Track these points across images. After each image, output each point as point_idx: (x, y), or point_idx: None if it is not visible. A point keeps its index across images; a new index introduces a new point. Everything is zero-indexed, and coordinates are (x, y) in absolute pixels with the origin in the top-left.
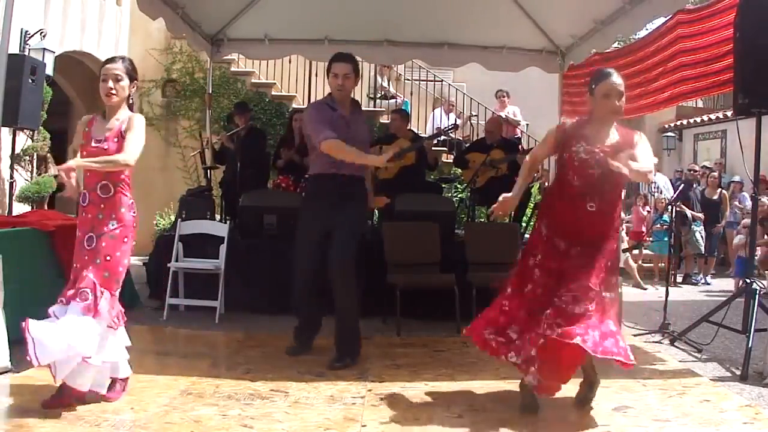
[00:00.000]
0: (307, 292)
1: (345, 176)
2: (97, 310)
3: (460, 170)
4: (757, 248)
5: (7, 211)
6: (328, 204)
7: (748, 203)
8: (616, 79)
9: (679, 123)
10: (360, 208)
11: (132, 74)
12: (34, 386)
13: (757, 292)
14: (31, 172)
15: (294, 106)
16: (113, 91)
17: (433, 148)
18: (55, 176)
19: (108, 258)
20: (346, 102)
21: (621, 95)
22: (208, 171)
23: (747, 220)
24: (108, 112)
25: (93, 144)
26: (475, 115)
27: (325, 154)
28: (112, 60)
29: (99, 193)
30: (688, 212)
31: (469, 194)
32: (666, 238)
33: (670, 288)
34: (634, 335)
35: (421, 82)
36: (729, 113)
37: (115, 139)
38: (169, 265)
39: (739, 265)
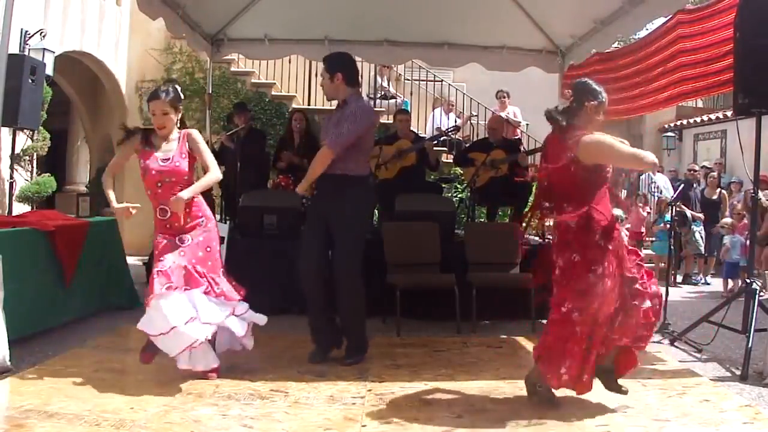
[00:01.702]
0: (316, 292)
1: (338, 175)
2: (216, 293)
3: (460, 170)
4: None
5: (7, 211)
6: (324, 204)
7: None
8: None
9: (679, 123)
10: (355, 206)
11: (176, 105)
12: (34, 386)
13: (757, 292)
14: (31, 172)
15: (294, 106)
16: (163, 126)
17: (434, 149)
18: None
19: (208, 249)
20: (337, 99)
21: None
22: None
23: (728, 219)
24: (161, 132)
25: (161, 164)
26: (475, 115)
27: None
28: (156, 96)
29: None
30: (688, 212)
31: (469, 194)
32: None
33: (670, 288)
34: None
35: (421, 82)
36: (729, 113)
37: (183, 156)
38: None
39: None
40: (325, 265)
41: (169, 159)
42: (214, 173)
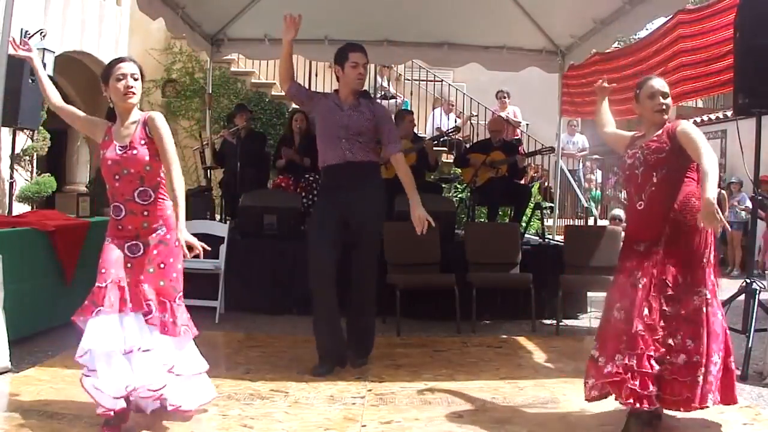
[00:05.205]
0: (330, 289)
1: (359, 163)
2: (165, 324)
3: (459, 170)
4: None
5: (7, 211)
6: (345, 192)
7: (749, 203)
8: (658, 80)
9: None
10: (379, 196)
11: (143, 75)
12: (34, 386)
13: (757, 292)
14: (31, 172)
15: (294, 106)
16: (133, 90)
17: (433, 149)
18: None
19: (162, 266)
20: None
21: (666, 95)
22: (208, 171)
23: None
24: (122, 114)
25: (118, 152)
26: (475, 115)
27: (337, 145)
28: (122, 59)
29: (138, 201)
30: None
31: (469, 194)
32: None
33: None
34: None
35: (421, 82)
36: (729, 113)
37: (142, 142)
38: None
39: None
40: (336, 265)
41: (126, 146)
42: (176, 171)
